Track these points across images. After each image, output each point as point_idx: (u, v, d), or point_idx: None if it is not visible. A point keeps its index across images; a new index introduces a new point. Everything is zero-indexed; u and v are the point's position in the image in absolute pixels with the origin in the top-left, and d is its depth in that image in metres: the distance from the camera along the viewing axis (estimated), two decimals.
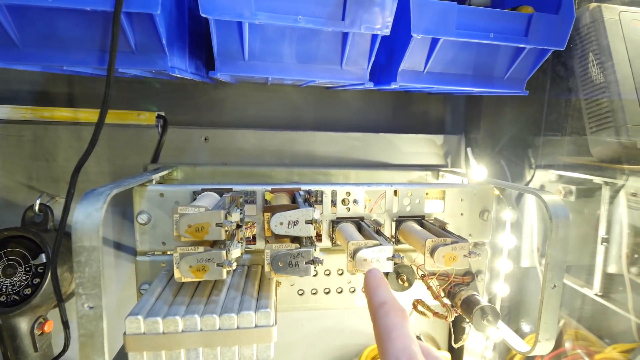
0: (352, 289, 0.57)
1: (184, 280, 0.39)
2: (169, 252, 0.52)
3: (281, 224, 0.40)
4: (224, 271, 0.39)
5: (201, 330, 0.38)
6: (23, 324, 0.56)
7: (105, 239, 0.68)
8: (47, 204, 0.62)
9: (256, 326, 0.39)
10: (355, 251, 0.41)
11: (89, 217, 0.34)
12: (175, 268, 0.38)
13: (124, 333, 0.37)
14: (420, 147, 0.79)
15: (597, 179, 0.63)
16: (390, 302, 0.30)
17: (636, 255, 0.62)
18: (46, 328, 0.58)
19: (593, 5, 0.63)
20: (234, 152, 0.72)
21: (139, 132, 0.68)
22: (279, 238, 0.42)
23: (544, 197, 0.43)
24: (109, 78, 0.38)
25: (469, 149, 0.75)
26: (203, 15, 0.40)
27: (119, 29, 0.38)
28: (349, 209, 0.54)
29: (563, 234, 0.42)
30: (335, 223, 0.54)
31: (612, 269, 0.64)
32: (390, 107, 0.81)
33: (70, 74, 0.59)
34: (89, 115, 0.66)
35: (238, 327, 0.39)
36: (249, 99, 0.75)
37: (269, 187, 0.52)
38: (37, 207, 0.60)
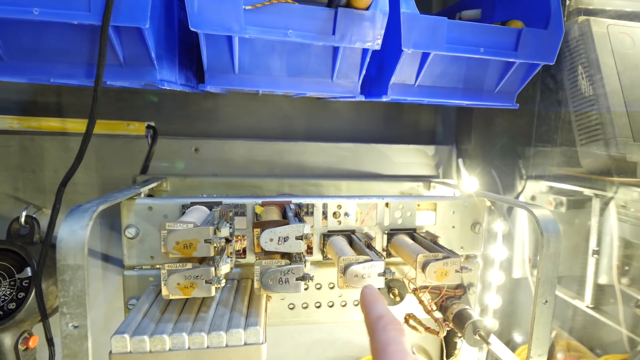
0: (343, 303, 0.56)
1: (171, 297, 0.38)
2: (157, 267, 0.51)
3: (271, 240, 0.40)
4: (213, 288, 0.38)
5: (189, 348, 0.37)
6: (7, 340, 0.54)
7: (93, 251, 0.67)
8: (34, 215, 0.61)
9: (245, 344, 0.39)
10: (346, 267, 0.41)
11: (73, 235, 0.33)
12: (162, 285, 0.38)
13: (110, 352, 0.36)
14: (411, 157, 0.79)
15: (587, 191, 0.64)
16: (387, 316, 0.30)
17: (627, 267, 0.62)
18: (31, 343, 0.57)
19: (582, 18, 0.64)
20: (224, 162, 0.71)
21: (128, 143, 0.67)
22: (269, 254, 0.42)
23: (534, 212, 0.43)
24: (95, 93, 0.38)
25: (460, 160, 0.75)
26: (192, 29, 0.40)
27: (107, 43, 0.38)
28: (340, 222, 0.54)
29: (554, 249, 0.42)
30: (326, 236, 0.53)
31: (603, 280, 0.64)
32: (381, 118, 0.82)
33: (58, 84, 0.58)
34: (77, 125, 0.65)
35: (227, 345, 0.38)
36: (240, 108, 0.74)
37: (259, 201, 0.51)
38: (23, 219, 0.59)
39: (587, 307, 0.64)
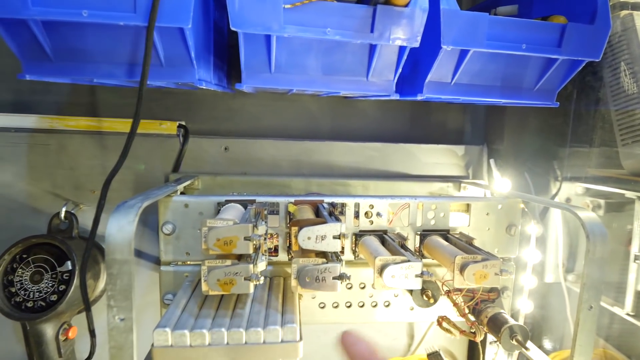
0: (374, 303, 0.56)
1: (211, 293, 0.39)
2: (191, 263, 0.52)
3: (309, 238, 0.40)
4: (251, 285, 0.39)
5: (227, 344, 0.38)
6: (49, 330, 0.57)
7: None
8: (72, 211, 0.63)
9: (282, 341, 0.39)
10: (383, 267, 0.41)
11: (121, 231, 0.34)
12: (203, 281, 0.38)
13: (152, 345, 0.37)
14: (440, 157, 0.77)
15: (629, 193, 0.61)
16: None
17: None
18: (70, 334, 0.59)
19: (624, 13, 0.62)
20: (253, 162, 0.72)
21: (161, 142, 0.68)
22: (305, 252, 0.42)
23: (580, 215, 0.42)
24: (140, 92, 0.39)
25: (492, 160, 0.74)
26: (233, 29, 0.40)
27: (152, 43, 0.38)
28: (372, 222, 0.53)
29: (600, 254, 0.40)
30: (358, 236, 0.53)
31: None
32: (408, 116, 0.80)
33: (97, 84, 0.60)
34: (112, 124, 0.67)
35: (264, 342, 0.38)
36: (266, 108, 0.75)
37: (292, 199, 0.52)
38: (62, 215, 0.61)
39: (627, 314, 0.62)
